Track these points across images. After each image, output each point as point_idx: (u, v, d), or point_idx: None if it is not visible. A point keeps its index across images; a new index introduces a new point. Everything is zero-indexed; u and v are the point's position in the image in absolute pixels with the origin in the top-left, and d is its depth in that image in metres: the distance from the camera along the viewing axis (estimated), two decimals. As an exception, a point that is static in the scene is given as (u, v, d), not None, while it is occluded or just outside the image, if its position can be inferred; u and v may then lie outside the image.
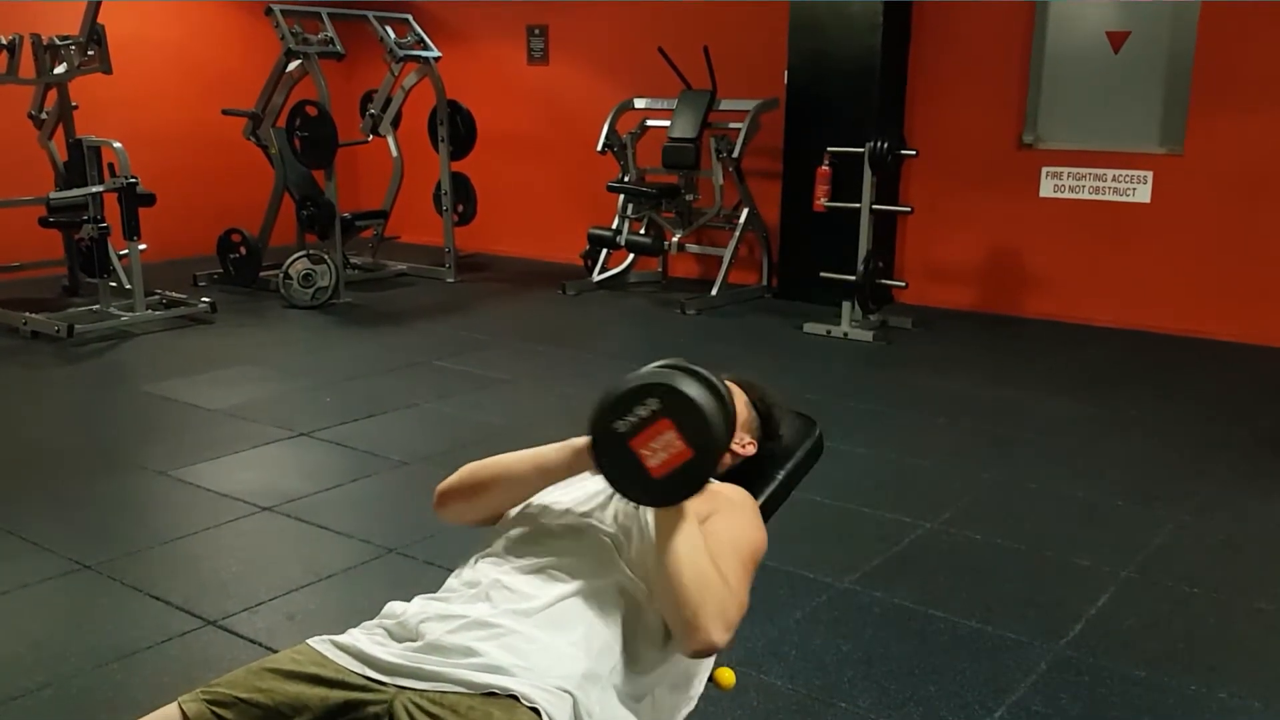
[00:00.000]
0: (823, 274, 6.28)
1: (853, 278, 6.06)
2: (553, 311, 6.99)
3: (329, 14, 7.34)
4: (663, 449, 1.51)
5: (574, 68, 8.46)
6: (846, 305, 6.17)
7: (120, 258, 6.46)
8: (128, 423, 4.66)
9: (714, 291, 7.05)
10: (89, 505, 3.71)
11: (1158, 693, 2.56)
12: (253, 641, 2.76)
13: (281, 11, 7.08)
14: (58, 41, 6.54)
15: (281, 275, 6.95)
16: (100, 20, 6.42)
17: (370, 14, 7.62)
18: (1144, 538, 3.46)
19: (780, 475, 1.94)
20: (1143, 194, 6.24)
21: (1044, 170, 6.54)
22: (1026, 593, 3.08)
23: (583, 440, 1.62)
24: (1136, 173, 6.24)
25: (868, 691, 2.55)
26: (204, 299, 6.60)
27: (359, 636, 1.56)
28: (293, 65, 7.26)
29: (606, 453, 1.55)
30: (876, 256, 6.12)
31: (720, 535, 1.63)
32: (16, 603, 2.98)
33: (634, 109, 7.67)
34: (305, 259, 6.93)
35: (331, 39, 7.26)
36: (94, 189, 6.10)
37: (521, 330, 6.39)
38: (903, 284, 6.41)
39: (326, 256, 6.94)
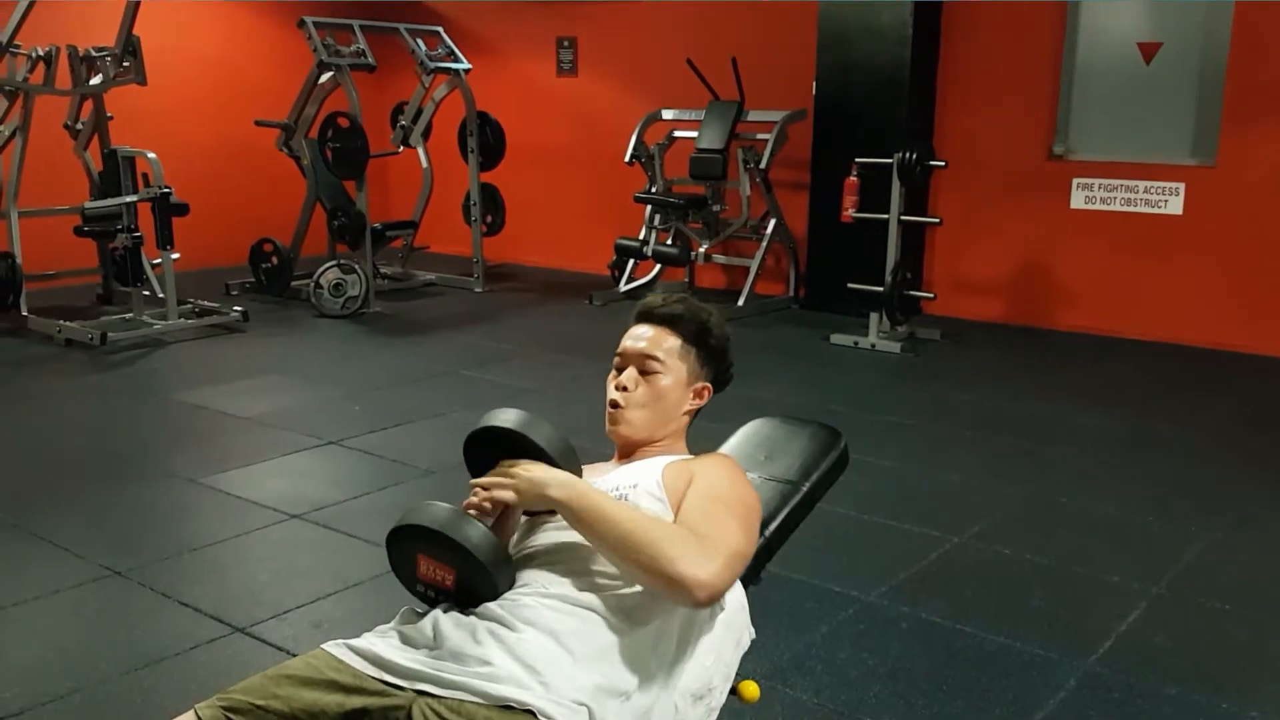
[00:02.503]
0: (850, 285, 6.27)
1: (880, 289, 6.04)
2: (580, 322, 7.00)
3: (361, 26, 7.42)
4: (435, 573, 1.61)
5: (603, 79, 8.49)
6: (874, 316, 6.14)
7: (153, 267, 6.54)
8: (159, 430, 4.71)
9: (741, 302, 7.04)
10: (119, 512, 3.74)
11: (1188, 711, 2.52)
12: (280, 649, 2.77)
13: (314, 24, 7.16)
14: (94, 53, 6.64)
15: (312, 285, 7.01)
16: (135, 32, 6.51)
17: (401, 26, 7.69)
18: (1175, 554, 3.42)
19: (805, 487, 1.93)
20: (1175, 206, 6.18)
21: (1074, 181, 6.49)
22: (1055, 609, 3.05)
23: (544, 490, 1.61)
24: (1168, 185, 6.18)
25: (894, 707, 2.53)
26: (236, 308, 6.67)
27: (375, 641, 1.56)
28: (325, 77, 7.33)
29: (430, 600, 1.65)
30: (905, 267, 6.09)
31: (696, 495, 1.62)
32: (46, 608, 3.02)
33: (662, 120, 7.69)
34: (336, 268, 6.99)
35: (363, 51, 7.33)
36: (128, 199, 6.18)
37: (549, 340, 6.41)
38: (931, 295, 6.38)
39: (357, 266, 7.00)
